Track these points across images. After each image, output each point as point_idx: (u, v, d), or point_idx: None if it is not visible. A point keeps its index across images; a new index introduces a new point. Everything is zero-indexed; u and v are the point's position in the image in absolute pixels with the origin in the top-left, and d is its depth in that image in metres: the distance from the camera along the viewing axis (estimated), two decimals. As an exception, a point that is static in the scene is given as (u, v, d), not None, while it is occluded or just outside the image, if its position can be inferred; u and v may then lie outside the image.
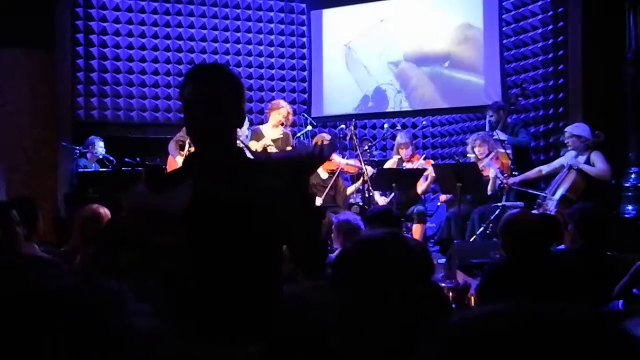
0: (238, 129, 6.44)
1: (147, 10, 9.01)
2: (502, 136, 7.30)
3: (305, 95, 9.80)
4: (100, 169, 7.97)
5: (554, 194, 6.60)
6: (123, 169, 7.51)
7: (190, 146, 6.75)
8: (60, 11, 8.48)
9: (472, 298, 3.58)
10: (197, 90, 2.06)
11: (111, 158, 8.07)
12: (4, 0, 8.17)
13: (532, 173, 7.03)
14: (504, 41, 8.55)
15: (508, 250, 3.35)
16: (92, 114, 8.78)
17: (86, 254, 4.13)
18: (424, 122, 9.47)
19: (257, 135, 7.18)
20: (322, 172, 7.29)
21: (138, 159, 7.69)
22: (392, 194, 7.23)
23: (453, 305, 3.41)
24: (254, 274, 2.00)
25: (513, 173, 7.03)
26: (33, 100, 8.41)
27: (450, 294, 3.44)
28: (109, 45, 8.83)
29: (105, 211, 4.42)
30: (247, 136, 7.63)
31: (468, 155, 7.37)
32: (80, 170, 7.88)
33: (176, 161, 7.02)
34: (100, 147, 8.17)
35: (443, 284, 3.62)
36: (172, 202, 1.91)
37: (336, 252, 3.37)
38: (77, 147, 8.03)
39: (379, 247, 1.69)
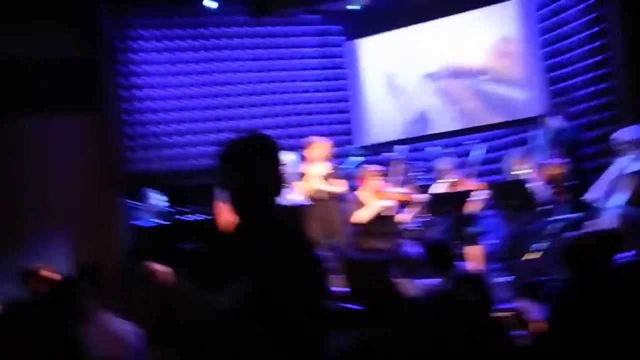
0: (285, 160, 6.52)
1: (185, 60, 9.22)
2: (555, 123, 7.17)
3: (349, 126, 9.83)
4: (157, 222, 8.14)
5: (612, 202, 6.41)
6: (177, 218, 7.67)
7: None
8: (103, 72, 8.77)
9: (534, 323, 3.53)
10: (231, 172, 2.13)
11: (166, 208, 8.24)
12: (50, 67, 8.53)
13: (600, 185, 6.66)
14: (544, 49, 8.44)
15: (572, 274, 3.29)
16: (143, 166, 8.99)
17: (150, 313, 4.22)
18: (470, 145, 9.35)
19: (305, 174, 7.29)
20: (375, 208, 7.27)
21: (190, 207, 7.87)
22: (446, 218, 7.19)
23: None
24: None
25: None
26: (86, 161, 8.70)
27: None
28: (154, 98, 9.06)
29: (166, 269, 4.53)
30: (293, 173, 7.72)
31: (514, 172, 7.25)
32: (140, 224, 8.06)
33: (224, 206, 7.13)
34: (155, 198, 8.35)
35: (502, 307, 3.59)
36: (222, 302, 1.95)
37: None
38: (133, 202, 8.23)
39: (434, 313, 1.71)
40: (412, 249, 4.84)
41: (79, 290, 3.40)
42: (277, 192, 2.23)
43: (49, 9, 8.41)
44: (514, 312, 3.52)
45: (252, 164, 2.17)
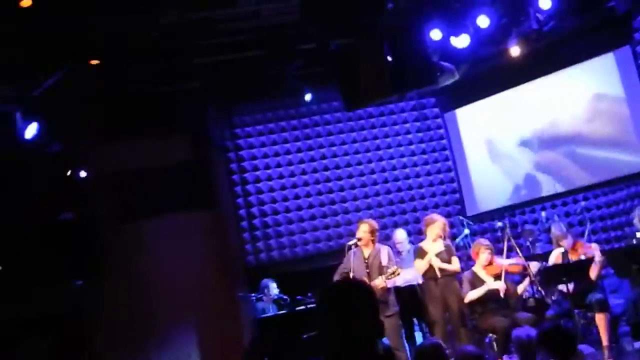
0: (399, 239, 6.62)
1: (292, 151, 9.62)
2: None
3: (457, 195, 9.84)
4: (278, 312, 8.38)
5: None
6: (297, 308, 7.85)
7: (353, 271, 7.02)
8: (216, 171, 9.31)
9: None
10: (333, 315, 2.26)
11: (285, 297, 8.48)
12: (169, 174, 9.13)
13: None
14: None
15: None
16: (261, 257, 9.35)
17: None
18: (582, 203, 9.10)
19: (421, 253, 7.36)
20: (487, 277, 7.22)
21: (310, 293, 8.04)
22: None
23: None
24: None
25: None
26: (207, 256, 9.16)
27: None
28: (265, 191, 9.48)
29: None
30: (407, 250, 7.79)
31: (638, 234, 6.98)
32: (260, 316, 8.31)
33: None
34: (274, 288, 8.63)
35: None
36: None
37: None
38: (254, 294, 8.53)
39: None
40: (524, 332, 4.76)
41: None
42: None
43: (160, 118, 9.06)
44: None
45: (353, 309, 2.28)
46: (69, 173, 8.85)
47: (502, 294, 7.05)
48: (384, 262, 7.06)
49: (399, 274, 6.91)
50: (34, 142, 7.69)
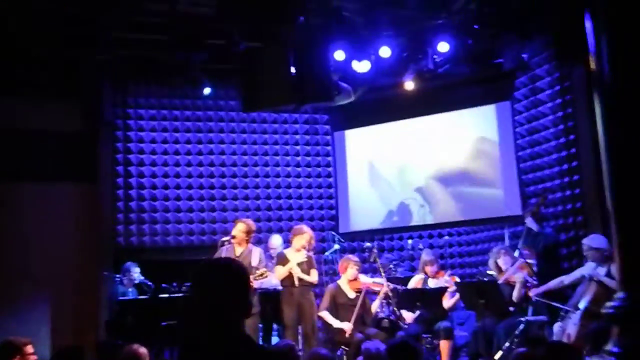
0: (275, 244, 6.79)
1: (181, 141, 9.65)
2: (534, 225, 7.53)
3: (333, 212, 10.21)
4: (139, 297, 8.34)
5: (576, 306, 6.70)
6: (160, 296, 7.86)
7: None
8: (101, 147, 9.17)
9: None
10: (200, 294, 2.42)
11: (149, 283, 8.47)
12: (52, 141, 8.92)
13: (553, 283, 7.06)
14: (520, 153, 8.91)
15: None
16: (132, 240, 9.27)
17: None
18: (446, 237, 9.75)
19: (282, 260, 7.55)
20: (349, 292, 7.57)
21: (175, 283, 8.06)
22: (418, 312, 7.46)
23: None
24: None
25: (535, 284, 7.18)
26: (77, 230, 8.99)
27: None
28: (147, 175, 9.43)
29: (144, 351, 4.75)
30: (274, 256, 7.99)
31: (489, 272, 7.58)
32: (120, 297, 8.24)
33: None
34: (136, 272, 8.58)
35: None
36: None
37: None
38: (117, 275, 8.45)
39: None
40: (373, 345, 5.08)
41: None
42: (244, 314, 2.50)
43: (53, 82, 8.85)
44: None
45: (221, 287, 2.42)
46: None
47: (347, 334, 7.39)
48: (254, 262, 7.23)
49: (266, 277, 7.10)
50: None
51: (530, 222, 7.69)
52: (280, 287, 7.69)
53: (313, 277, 7.55)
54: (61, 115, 9.10)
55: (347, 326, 7.41)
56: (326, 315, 7.56)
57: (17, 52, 8.33)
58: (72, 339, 8.37)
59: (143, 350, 4.74)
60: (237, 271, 2.49)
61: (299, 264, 7.45)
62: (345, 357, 7.49)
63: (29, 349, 4.95)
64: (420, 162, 9.82)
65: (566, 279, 7.08)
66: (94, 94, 9.13)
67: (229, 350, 2.34)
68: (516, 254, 7.54)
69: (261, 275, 6.98)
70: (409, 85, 8.73)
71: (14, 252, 8.73)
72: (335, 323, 7.49)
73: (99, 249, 9.01)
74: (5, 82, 8.51)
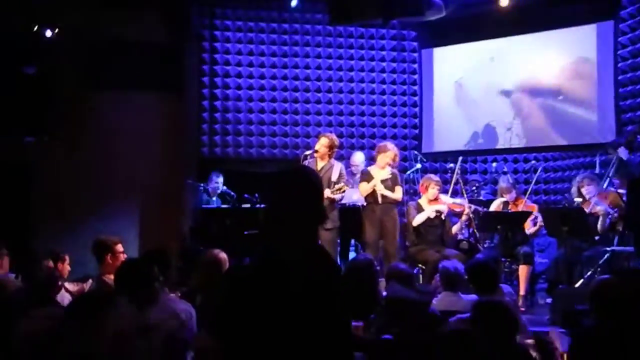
0: (357, 161, 6.83)
1: (267, 53, 9.61)
2: (624, 154, 7.20)
3: (417, 131, 10.05)
4: (222, 205, 8.55)
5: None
6: (242, 206, 8.04)
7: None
8: (188, 58, 9.25)
9: (560, 354, 3.69)
10: (271, 200, 2.41)
11: (232, 193, 8.64)
12: (139, 51, 9.04)
13: None
14: (620, 77, 8.43)
15: (598, 318, 3.46)
16: (215, 151, 9.44)
17: (206, 297, 4.59)
18: (532, 162, 9.44)
19: (367, 177, 7.52)
20: (430, 211, 7.49)
21: (257, 194, 8.22)
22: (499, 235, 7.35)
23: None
24: None
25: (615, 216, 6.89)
26: (162, 139, 9.22)
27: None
28: (232, 87, 9.50)
29: (224, 257, 4.88)
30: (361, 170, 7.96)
31: (575, 199, 7.32)
32: (204, 205, 8.47)
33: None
34: (219, 182, 8.77)
35: (529, 341, 3.77)
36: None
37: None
38: (201, 184, 8.65)
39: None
40: (452, 265, 5.03)
41: (151, 275, 3.74)
42: (317, 221, 2.47)
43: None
44: (543, 340, 3.70)
45: (292, 193, 2.39)
46: (35, 28, 8.70)
47: (443, 216, 7.35)
48: (334, 177, 7.24)
49: (344, 191, 7.11)
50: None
51: (622, 151, 7.31)
52: (360, 204, 7.69)
53: (397, 194, 7.50)
54: (149, 26, 9.18)
55: (444, 208, 7.47)
56: (419, 217, 7.46)
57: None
58: (158, 244, 8.71)
59: (223, 255, 4.86)
60: (308, 177, 2.46)
61: (382, 181, 7.41)
62: (422, 276, 7.51)
63: (119, 247, 5.18)
64: (512, 79, 9.45)
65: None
66: (182, 5, 9.15)
67: (301, 259, 2.32)
68: (606, 184, 7.25)
69: (339, 189, 7.00)
70: (504, 1, 8.29)
71: (101, 160, 9.05)
72: (427, 212, 7.44)
73: (184, 158, 9.24)
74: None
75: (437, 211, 7.49)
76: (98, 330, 3.20)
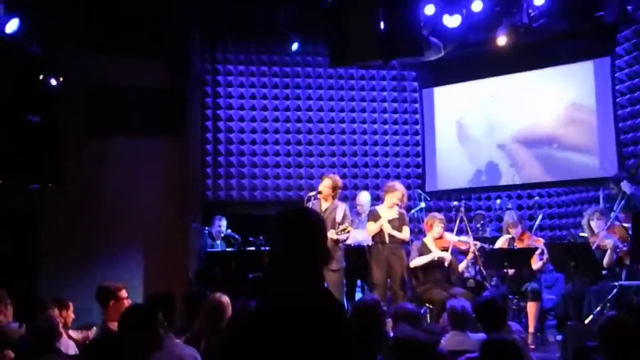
0: (362, 201, 6.80)
1: (269, 96, 9.72)
2: (627, 188, 7.18)
3: (420, 170, 10.08)
4: (227, 249, 8.54)
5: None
6: (247, 249, 8.03)
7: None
8: (191, 102, 9.33)
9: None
10: (281, 241, 2.40)
11: (237, 236, 8.65)
12: (143, 97, 9.14)
13: None
14: (619, 112, 8.48)
15: (608, 355, 3.42)
16: (219, 194, 9.47)
17: (210, 341, 4.55)
18: (536, 198, 9.44)
19: (374, 216, 7.52)
20: (436, 250, 7.47)
21: (261, 237, 8.22)
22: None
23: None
24: None
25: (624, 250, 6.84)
26: (168, 183, 9.25)
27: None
28: (235, 130, 9.58)
29: (226, 300, 4.85)
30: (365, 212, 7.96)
31: (581, 234, 7.30)
32: (209, 249, 8.46)
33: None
34: (223, 225, 8.78)
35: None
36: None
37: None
38: (206, 228, 8.66)
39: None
40: (459, 303, 5.00)
41: (155, 320, 3.71)
42: (323, 263, 2.45)
43: (143, 40, 9.02)
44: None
45: (296, 234, 2.38)
46: (41, 77, 8.81)
47: (446, 263, 7.32)
48: (338, 218, 7.24)
49: (349, 232, 7.11)
50: (13, 38, 7.62)
51: (625, 185, 7.31)
52: (365, 243, 7.68)
53: (405, 234, 7.50)
54: (152, 72, 9.28)
55: (447, 255, 7.36)
56: (419, 259, 7.43)
57: (108, 11, 8.51)
58: (163, 288, 8.64)
59: (225, 299, 4.83)
60: (310, 218, 2.44)
61: (390, 221, 7.42)
62: (429, 315, 7.45)
63: (123, 293, 5.15)
64: (510, 122, 9.53)
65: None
66: (183, 51, 9.27)
67: (306, 303, 2.30)
68: (611, 219, 7.23)
69: (344, 230, 6.99)
70: (502, 40, 8.38)
71: (108, 204, 9.08)
72: (431, 255, 7.38)
73: (188, 202, 9.25)
74: (97, 41, 8.73)
75: (443, 248, 7.47)
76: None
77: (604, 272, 6.93)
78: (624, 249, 6.79)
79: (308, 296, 2.33)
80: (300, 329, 2.25)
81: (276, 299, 2.37)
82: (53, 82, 8.78)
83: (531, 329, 7.00)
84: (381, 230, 7.43)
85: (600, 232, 7.00)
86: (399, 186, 7.66)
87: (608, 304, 6.49)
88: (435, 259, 7.39)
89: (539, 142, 9.27)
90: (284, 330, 2.26)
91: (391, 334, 4.62)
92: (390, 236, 7.42)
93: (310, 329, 2.26)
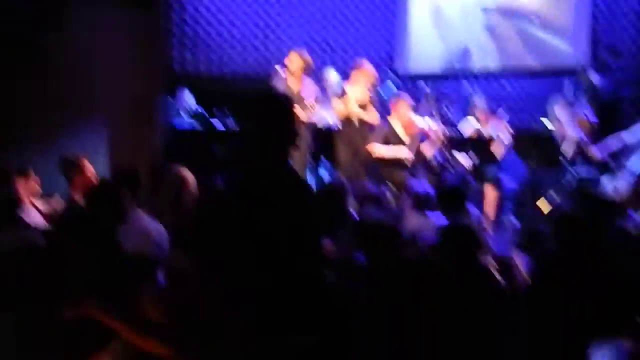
0: (329, 79, 6.69)
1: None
2: (595, 78, 7.22)
3: (392, 51, 9.88)
4: (192, 125, 8.46)
5: (632, 164, 6.54)
6: (214, 126, 7.95)
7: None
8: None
9: (523, 275, 3.80)
10: (250, 120, 2.42)
11: (204, 113, 8.55)
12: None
13: (614, 142, 6.86)
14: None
15: (557, 245, 3.56)
16: (186, 66, 9.22)
17: (173, 215, 4.57)
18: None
19: (343, 98, 7.42)
20: (403, 135, 7.44)
21: (229, 114, 8.14)
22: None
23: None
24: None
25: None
26: (132, 54, 9.00)
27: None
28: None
29: (190, 175, 4.83)
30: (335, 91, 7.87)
31: (545, 121, 7.38)
32: (174, 124, 8.37)
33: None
34: (188, 100, 8.66)
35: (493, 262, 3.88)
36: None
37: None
38: (172, 101, 8.53)
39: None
40: (420, 186, 5.09)
41: (121, 195, 3.72)
42: (290, 143, 2.49)
43: None
44: (506, 261, 3.81)
45: (266, 116, 2.43)
46: None
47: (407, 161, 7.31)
48: (306, 95, 7.18)
49: (315, 110, 7.07)
50: None
51: (593, 75, 7.31)
52: (332, 124, 7.65)
53: (372, 116, 7.43)
54: None
55: (410, 156, 7.27)
56: (382, 148, 7.31)
57: None
58: (129, 163, 8.64)
59: (189, 173, 4.80)
60: (279, 98, 2.51)
61: (360, 102, 7.32)
62: (389, 194, 7.54)
63: (86, 164, 5.11)
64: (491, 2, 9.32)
65: (628, 137, 6.82)
66: None
67: (273, 180, 2.36)
68: (577, 107, 7.30)
69: (311, 107, 6.94)
70: None
71: (70, 77, 8.83)
72: (396, 150, 7.30)
73: (155, 74, 9.04)
74: None
75: (410, 133, 7.45)
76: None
77: (562, 160, 7.07)
78: (588, 141, 6.91)
79: (274, 174, 2.41)
80: (267, 203, 2.34)
81: (244, 176, 2.44)
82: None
83: (489, 214, 7.19)
84: (350, 111, 7.36)
85: (567, 121, 7.08)
86: (368, 65, 7.50)
87: (563, 191, 6.70)
88: (399, 157, 7.29)
89: (520, 15, 9.14)
90: (251, 204, 2.35)
91: (355, 215, 4.72)
92: (359, 119, 7.36)
93: (276, 203, 2.35)
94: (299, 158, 6.91)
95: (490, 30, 9.34)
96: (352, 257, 3.45)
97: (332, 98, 7.64)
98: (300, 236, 2.38)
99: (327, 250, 3.90)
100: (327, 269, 3.46)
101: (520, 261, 3.89)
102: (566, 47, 8.73)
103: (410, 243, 3.83)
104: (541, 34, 8.92)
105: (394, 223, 3.82)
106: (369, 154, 7.39)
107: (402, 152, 7.31)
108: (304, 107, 6.89)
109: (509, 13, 9.20)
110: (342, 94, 7.43)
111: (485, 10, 9.38)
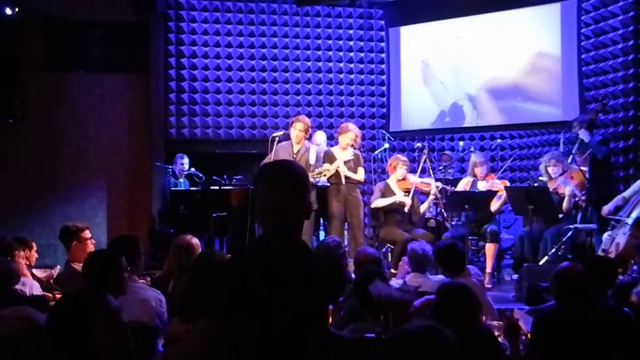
0: (318, 140, 6.78)
1: (233, 33, 9.53)
2: (585, 136, 7.29)
3: (384, 110, 10.08)
4: (190, 188, 8.53)
5: (629, 215, 6.56)
6: (211, 187, 8.02)
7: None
8: (154, 38, 9.15)
9: (524, 334, 3.78)
10: (264, 191, 2.39)
11: (200, 175, 8.64)
12: (105, 31, 8.94)
13: (616, 201, 6.83)
14: (583, 55, 8.54)
15: (560, 301, 3.56)
16: (183, 132, 9.37)
17: (179, 282, 4.58)
18: (498, 140, 9.56)
19: (330, 157, 7.50)
20: (398, 191, 7.54)
21: (225, 176, 8.21)
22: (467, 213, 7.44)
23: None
24: None
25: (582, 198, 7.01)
26: (130, 120, 9.16)
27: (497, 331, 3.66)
28: (199, 68, 9.41)
29: (196, 242, 4.87)
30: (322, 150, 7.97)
31: (540, 178, 7.45)
32: (172, 188, 8.43)
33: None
34: (185, 164, 8.76)
35: (494, 322, 3.86)
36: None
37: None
38: (170, 166, 8.61)
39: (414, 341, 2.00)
40: (419, 246, 5.11)
41: (120, 265, 3.71)
42: (306, 216, 2.44)
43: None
44: (507, 320, 3.78)
45: (290, 188, 2.37)
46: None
47: (406, 209, 7.42)
48: (312, 160, 7.28)
49: (325, 175, 7.16)
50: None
51: (583, 134, 7.39)
52: (326, 184, 7.71)
53: (360, 175, 7.51)
54: (114, 5, 9.08)
55: (408, 200, 7.40)
56: (380, 201, 7.48)
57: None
58: (127, 226, 8.70)
59: (195, 241, 4.85)
60: (297, 172, 2.43)
61: (345, 162, 7.41)
62: (390, 255, 7.59)
63: (87, 234, 5.14)
64: (476, 66, 9.47)
65: (627, 193, 6.82)
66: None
67: (290, 253, 2.36)
68: (570, 160, 7.37)
69: (320, 173, 7.05)
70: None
71: (69, 142, 8.99)
72: (393, 198, 7.44)
73: (151, 140, 9.18)
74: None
75: (406, 190, 7.54)
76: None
77: (560, 215, 7.10)
78: (582, 197, 6.95)
79: (291, 246, 2.39)
80: (284, 277, 2.30)
81: (262, 247, 2.42)
82: (8, 11, 8.52)
83: (488, 269, 7.20)
84: (337, 172, 7.43)
85: (558, 177, 7.14)
86: (352, 127, 7.62)
87: (562, 246, 6.70)
88: (397, 202, 7.46)
89: (504, 93, 9.26)
90: (269, 277, 2.29)
91: (352, 276, 4.72)
92: (347, 177, 7.44)
93: (293, 278, 2.31)
94: (307, 224, 6.92)
95: (474, 104, 9.54)
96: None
97: (321, 159, 7.72)
98: (314, 310, 2.37)
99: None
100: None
101: (521, 318, 3.88)
102: (555, 111, 8.86)
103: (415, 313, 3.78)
104: (527, 106, 9.08)
105: (409, 300, 3.77)
106: (360, 213, 7.48)
107: (402, 199, 7.43)
108: (313, 172, 6.99)
109: (493, 93, 9.37)
110: (331, 156, 7.49)
111: (467, 94, 9.57)
